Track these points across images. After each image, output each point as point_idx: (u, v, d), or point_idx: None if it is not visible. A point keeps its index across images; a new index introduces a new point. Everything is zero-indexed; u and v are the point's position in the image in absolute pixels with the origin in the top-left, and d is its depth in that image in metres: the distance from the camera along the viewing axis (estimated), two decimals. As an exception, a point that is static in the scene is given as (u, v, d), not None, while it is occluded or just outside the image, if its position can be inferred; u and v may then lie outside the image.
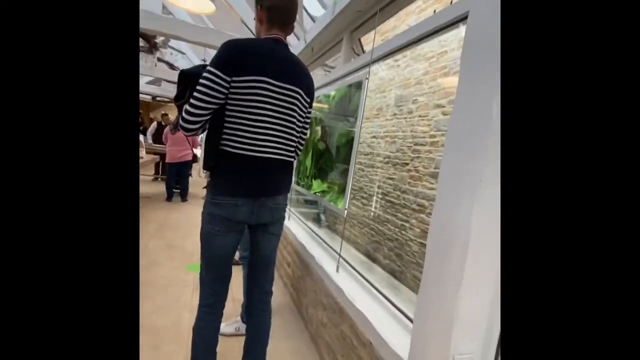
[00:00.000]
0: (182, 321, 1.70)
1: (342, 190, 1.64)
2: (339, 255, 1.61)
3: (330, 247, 1.86)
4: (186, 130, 1.00)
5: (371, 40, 1.50)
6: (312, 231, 2.19)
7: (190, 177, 4.99)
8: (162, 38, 4.62)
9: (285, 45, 1.09)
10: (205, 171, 1.11)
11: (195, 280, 2.23)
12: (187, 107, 0.96)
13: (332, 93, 1.98)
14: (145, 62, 5.72)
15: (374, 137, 3.97)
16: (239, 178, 1.02)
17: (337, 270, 1.56)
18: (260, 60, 0.98)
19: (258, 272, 1.20)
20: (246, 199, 1.04)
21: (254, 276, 1.21)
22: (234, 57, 0.96)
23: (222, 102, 0.98)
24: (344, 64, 1.98)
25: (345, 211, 1.54)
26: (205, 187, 1.10)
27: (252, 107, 0.98)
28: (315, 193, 2.03)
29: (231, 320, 1.68)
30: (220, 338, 1.15)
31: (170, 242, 2.94)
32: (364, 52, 2.07)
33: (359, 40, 2.07)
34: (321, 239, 2.03)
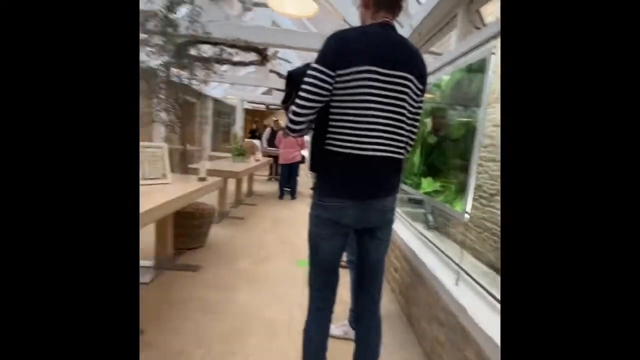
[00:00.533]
0: (294, 317, 1.77)
1: (459, 190, 1.40)
2: (459, 267, 1.39)
3: (445, 254, 1.63)
4: (292, 131, 0.99)
5: (490, 13, 1.22)
6: (421, 234, 1.98)
7: (298, 177, 5.35)
8: (273, 50, 5.07)
9: (394, 28, 0.97)
10: (311, 172, 1.09)
11: (305, 276, 2.33)
12: (292, 107, 0.95)
13: (445, 79, 1.74)
14: (259, 74, 6.42)
15: (494, 125, 3.39)
16: (345, 179, 0.96)
17: (457, 283, 1.35)
18: (365, 48, 0.89)
19: (365, 280, 1.12)
20: (353, 201, 0.97)
21: (361, 283, 1.14)
22: (338, 49, 0.90)
23: (327, 98, 0.94)
24: (459, 42, 1.70)
25: (467, 215, 1.30)
26: (312, 189, 1.08)
27: (358, 100, 0.91)
28: (425, 193, 1.82)
29: (340, 323, 1.65)
30: (329, 340, 1.12)
31: (283, 238, 3.17)
32: (484, 25, 1.74)
33: (478, 11, 1.76)
34: (432, 243, 1.81)
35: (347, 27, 1.00)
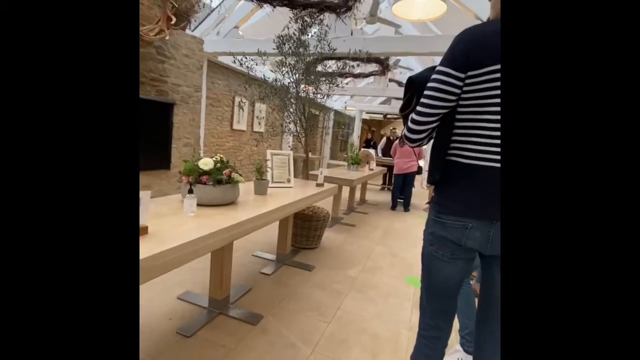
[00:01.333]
0: (400, 337, 1.66)
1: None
2: None
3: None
4: (411, 141, 0.93)
5: None
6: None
7: (412, 188, 5.09)
8: (395, 59, 5.03)
9: None
10: (428, 185, 1.00)
11: (415, 295, 2.17)
12: (412, 115, 0.90)
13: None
14: (379, 84, 6.46)
15: None
16: (471, 194, 0.84)
17: None
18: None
19: (491, 315, 0.94)
20: (479, 220, 0.83)
21: (485, 319, 0.96)
22: (468, 48, 0.80)
23: (453, 104, 0.84)
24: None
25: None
26: (428, 203, 0.99)
27: (492, 104, 0.78)
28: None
29: (452, 349, 1.46)
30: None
31: (393, 251, 3.06)
32: None
33: None
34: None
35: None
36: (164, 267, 0.94)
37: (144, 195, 1.00)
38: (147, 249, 0.91)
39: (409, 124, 0.92)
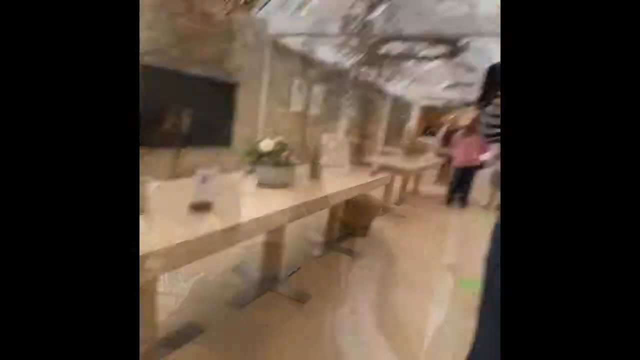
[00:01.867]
0: (448, 340, 1.59)
1: None
2: None
3: None
4: (491, 136, 0.84)
5: None
6: None
7: (472, 184, 4.72)
8: (464, 40, 4.60)
9: None
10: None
11: (467, 299, 2.04)
12: (494, 109, 0.80)
13: None
14: (442, 68, 5.99)
15: None
16: None
17: None
18: None
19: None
20: None
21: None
22: None
23: None
24: None
25: None
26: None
27: None
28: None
29: None
30: None
31: (445, 248, 2.90)
32: None
33: None
34: None
35: None
36: (224, 243, 0.99)
37: (210, 172, 1.06)
38: (209, 224, 0.97)
39: (489, 119, 0.82)
